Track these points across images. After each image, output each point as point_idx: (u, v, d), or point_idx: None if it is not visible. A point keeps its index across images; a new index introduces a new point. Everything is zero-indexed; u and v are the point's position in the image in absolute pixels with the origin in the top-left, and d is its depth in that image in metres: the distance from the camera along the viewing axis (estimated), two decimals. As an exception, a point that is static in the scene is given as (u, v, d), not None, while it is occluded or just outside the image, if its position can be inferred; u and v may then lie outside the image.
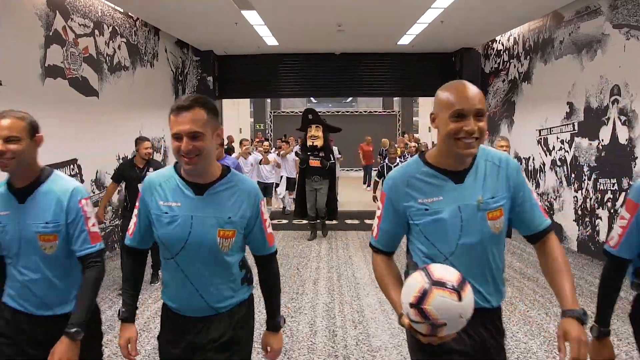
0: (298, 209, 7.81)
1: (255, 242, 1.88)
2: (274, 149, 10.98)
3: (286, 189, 10.04)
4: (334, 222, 8.04)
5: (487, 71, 10.14)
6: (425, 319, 1.42)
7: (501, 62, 9.40)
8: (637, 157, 5.56)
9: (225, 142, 13.60)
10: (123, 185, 5.26)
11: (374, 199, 7.34)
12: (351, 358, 3.62)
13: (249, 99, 20.13)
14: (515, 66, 8.75)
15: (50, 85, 5.49)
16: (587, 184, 6.47)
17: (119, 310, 1.91)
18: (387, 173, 6.84)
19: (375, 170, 7.71)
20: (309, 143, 7.39)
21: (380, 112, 20.58)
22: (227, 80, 11.16)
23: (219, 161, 5.93)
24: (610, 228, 6.00)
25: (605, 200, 6.10)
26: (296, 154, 7.83)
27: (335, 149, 8.39)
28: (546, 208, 7.40)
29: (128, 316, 1.88)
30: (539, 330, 4.11)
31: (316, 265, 6.25)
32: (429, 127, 19.23)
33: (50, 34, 5.49)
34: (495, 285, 1.69)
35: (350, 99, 23.94)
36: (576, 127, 6.73)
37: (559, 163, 7.20)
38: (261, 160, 7.96)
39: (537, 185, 7.80)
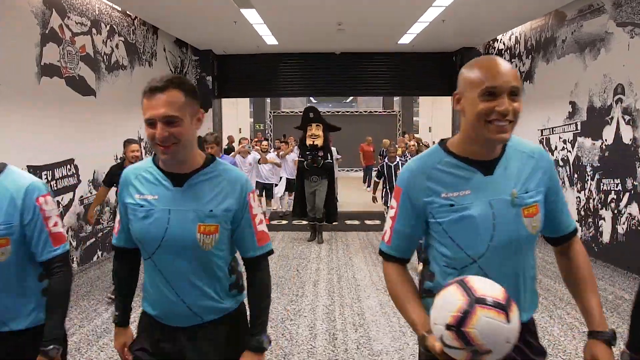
0: (297, 209, 7.65)
1: (243, 241, 1.64)
2: (273, 149, 10.85)
3: (285, 190, 9.88)
4: (334, 223, 7.85)
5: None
6: (466, 344, 1.17)
7: (502, 62, 9.33)
8: (641, 157, 5.49)
9: (226, 142, 13.52)
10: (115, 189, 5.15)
11: (374, 199, 7.25)
12: (352, 362, 3.55)
13: (248, 99, 20.08)
14: (517, 65, 8.67)
15: (46, 84, 5.41)
16: (590, 184, 6.40)
17: (113, 313, 1.79)
18: (387, 173, 6.75)
19: (375, 170, 7.54)
20: (309, 142, 7.20)
21: (380, 112, 20.51)
22: (227, 79, 11.09)
23: None
24: (613, 229, 5.93)
25: (608, 200, 6.02)
26: (299, 162, 7.53)
27: (333, 149, 8.23)
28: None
29: (121, 320, 1.76)
30: (542, 333, 4.03)
31: (316, 266, 6.18)
32: (429, 127, 19.18)
33: (47, 32, 5.41)
34: (530, 294, 1.46)
35: (350, 99, 23.89)
36: (579, 127, 6.66)
37: (561, 163, 7.13)
38: (259, 159, 7.83)
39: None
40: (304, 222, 8.15)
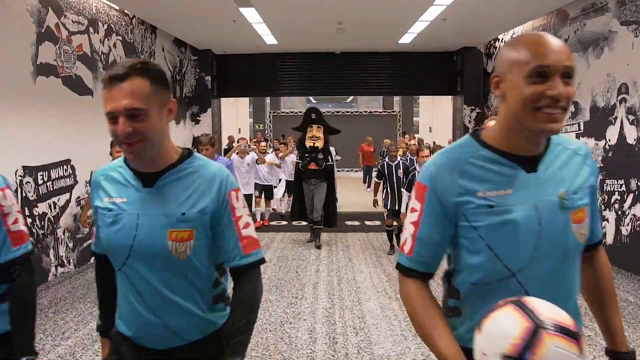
0: (296, 212, 7.47)
1: (225, 247, 1.39)
2: (272, 149, 10.71)
3: (285, 192, 9.73)
4: (333, 227, 7.66)
5: (489, 70, 9.99)
6: None
7: (504, 61, 9.26)
8: (645, 158, 5.42)
9: (226, 142, 13.45)
10: None
11: (375, 202, 7.07)
12: (352, 367, 3.48)
13: (248, 100, 20.03)
14: (518, 65, 8.60)
15: (42, 83, 5.34)
16: (593, 185, 6.32)
17: (97, 322, 1.62)
18: (387, 172, 6.63)
19: (375, 170, 7.39)
20: (309, 144, 7.01)
21: (380, 112, 20.44)
22: (226, 79, 11.01)
23: None
24: (617, 230, 5.85)
25: (612, 201, 5.95)
26: (297, 164, 7.32)
27: (332, 149, 8.08)
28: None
29: (103, 330, 1.58)
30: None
31: (316, 268, 6.10)
32: (429, 127, 19.12)
33: (42, 31, 5.34)
34: (573, 316, 1.18)
35: (350, 99, 23.85)
36: (582, 127, 6.58)
37: (563, 163, 7.05)
38: (257, 159, 7.69)
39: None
40: (304, 223, 8.04)
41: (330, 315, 4.45)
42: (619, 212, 5.82)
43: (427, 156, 5.60)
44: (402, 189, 6.27)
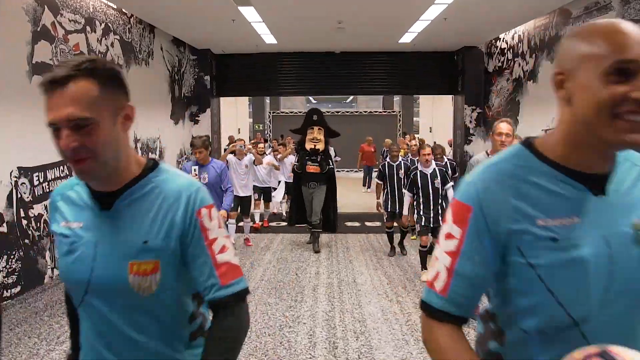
0: (296, 215, 7.26)
1: (199, 278, 1.13)
2: (270, 149, 10.59)
3: (285, 193, 9.56)
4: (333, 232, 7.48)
5: (491, 70, 9.92)
6: None
7: (505, 61, 9.19)
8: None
9: (226, 142, 13.35)
10: None
11: (379, 206, 6.88)
12: (353, 373, 3.40)
13: (247, 100, 19.95)
14: (520, 65, 8.53)
15: (38, 83, 5.25)
16: (597, 186, 6.24)
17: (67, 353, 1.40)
18: (388, 173, 6.53)
19: (376, 171, 7.25)
20: (310, 146, 6.77)
21: (380, 112, 20.37)
22: (226, 79, 10.94)
23: (203, 166, 5.33)
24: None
25: None
26: (294, 166, 7.15)
27: (331, 149, 7.92)
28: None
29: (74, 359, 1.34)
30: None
31: (315, 270, 6.02)
32: (430, 128, 19.05)
33: (38, 29, 5.26)
34: None
35: (350, 99, 23.80)
36: (585, 127, 6.51)
37: (566, 164, 6.98)
38: (255, 160, 7.44)
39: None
40: (304, 224, 7.90)
41: (330, 319, 4.37)
42: None
43: (429, 154, 5.49)
44: (402, 190, 6.19)
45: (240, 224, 7.33)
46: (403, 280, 5.54)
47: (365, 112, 20.47)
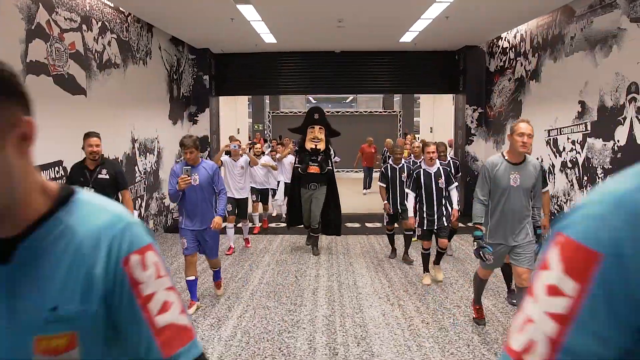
0: (297, 218, 7.02)
1: (134, 350, 0.84)
2: (270, 149, 10.44)
3: (285, 195, 9.35)
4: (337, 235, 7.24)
5: (492, 70, 9.81)
6: None
7: (507, 60, 9.08)
8: (656, 159, 5.23)
9: (227, 142, 13.22)
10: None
11: (387, 207, 6.43)
12: (354, 380, 3.30)
13: (247, 100, 19.86)
14: (522, 64, 8.43)
15: (32, 82, 5.15)
16: (601, 187, 6.13)
17: None
18: (391, 176, 6.34)
19: (377, 171, 7.06)
20: (311, 146, 6.58)
21: (380, 112, 20.26)
22: (225, 79, 10.83)
23: (194, 167, 5.05)
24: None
25: (621, 204, 5.76)
26: (295, 168, 6.91)
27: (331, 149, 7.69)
28: (555, 212, 7.08)
29: None
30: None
31: (315, 272, 5.92)
32: (430, 128, 18.95)
33: (33, 27, 5.15)
34: None
35: (350, 99, 23.71)
36: (589, 127, 6.41)
37: (569, 165, 6.88)
38: (250, 161, 7.13)
39: (546, 188, 7.47)
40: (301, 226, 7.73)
41: (331, 324, 4.27)
42: (628, 215, 5.63)
43: (433, 152, 5.27)
44: (406, 190, 5.96)
45: (239, 225, 7.20)
46: (404, 283, 5.44)
47: (365, 112, 20.36)
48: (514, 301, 4.69)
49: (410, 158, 7.03)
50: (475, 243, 3.74)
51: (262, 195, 8.31)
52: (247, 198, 7.10)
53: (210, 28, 8.47)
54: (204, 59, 10.24)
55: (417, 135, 17.70)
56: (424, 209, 5.27)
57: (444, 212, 5.24)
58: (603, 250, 0.64)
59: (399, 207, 6.22)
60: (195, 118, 10.26)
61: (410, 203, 5.41)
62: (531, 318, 0.68)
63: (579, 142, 6.65)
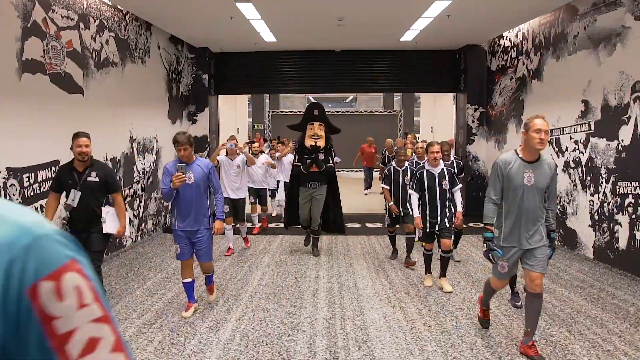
0: (295, 218, 6.87)
1: None
2: (269, 148, 10.34)
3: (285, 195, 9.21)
4: (342, 234, 7.16)
5: (494, 69, 9.74)
6: None
7: (508, 59, 9.01)
8: (661, 159, 5.16)
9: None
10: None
11: (393, 207, 6.18)
12: (355, 385, 3.22)
13: (247, 99, 19.77)
14: (524, 63, 8.35)
15: (28, 80, 5.08)
16: (605, 187, 6.06)
17: None
18: (394, 178, 6.09)
19: (377, 171, 6.93)
20: (310, 143, 6.41)
21: (380, 111, 20.18)
22: (224, 78, 10.75)
23: (190, 164, 4.85)
24: (631, 234, 5.60)
25: (625, 204, 5.69)
26: (295, 166, 6.72)
27: None
28: (558, 212, 7.00)
29: None
30: (563, 352, 3.70)
31: (315, 274, 5.84)
32: (431, 127, 18.87)
33: (29, 25, 5.08)
34: None
35: (350, 98, 23.62)
36: (592, 127, 6.33)
37: (572, 165, 6.80)
38: (247, 160, 6.92)
39: (549, 188, 7.39)
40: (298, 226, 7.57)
41: (331, 327, 4.19)
42: (633, 216, 5.56)
43: (437, 152, 5.11)
44: (408, 191, 5.79)
45: (237, 226, 7.10)
46: (406, 285, 5.36)
47: (365, 111, 20.28)
48: (518, 304, 4.61)
49: (413, 158, 6.89)
50: (485, 245, 3.62)
51: (260, 196, 8.21)
52: (244, 199, 6.90)
53: (210, 27, 8.40)
54: (203, 57, 10.17)
55: (417, 135, 17.61)
56: (427, 211, 5.16)
57: (447, 214, 5.13)
58: None
59: (401, 210, 6.08)
60: (195, 117, 10.18)
61: (414, 204, 5.25)
62: None
63: (582, 141, 6.58)
